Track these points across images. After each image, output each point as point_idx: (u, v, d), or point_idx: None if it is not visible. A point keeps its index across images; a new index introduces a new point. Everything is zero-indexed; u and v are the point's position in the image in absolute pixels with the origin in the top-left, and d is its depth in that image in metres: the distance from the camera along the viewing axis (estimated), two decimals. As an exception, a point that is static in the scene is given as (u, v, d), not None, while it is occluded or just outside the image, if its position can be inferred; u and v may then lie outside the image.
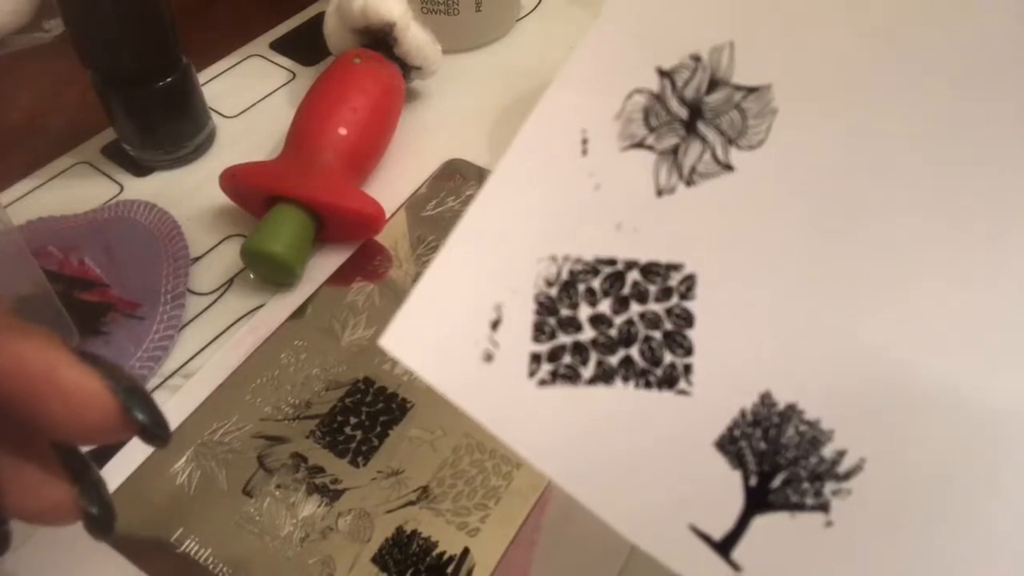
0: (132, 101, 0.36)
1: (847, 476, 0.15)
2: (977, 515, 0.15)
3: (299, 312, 0.32)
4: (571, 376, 0.16)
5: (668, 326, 0.16)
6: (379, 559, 0.26)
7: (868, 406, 0.15)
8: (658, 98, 0.16)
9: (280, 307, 0.33)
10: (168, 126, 0.38)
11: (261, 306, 0.33)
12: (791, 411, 0.16)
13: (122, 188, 0.38)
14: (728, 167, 0.16)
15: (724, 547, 0.15)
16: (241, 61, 0.45)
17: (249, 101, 0.42)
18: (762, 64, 0.15)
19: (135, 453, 0.28)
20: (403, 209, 0.36)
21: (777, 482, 0.16)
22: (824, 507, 0.15)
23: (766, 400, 0.16)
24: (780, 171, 0.15)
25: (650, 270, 0.16)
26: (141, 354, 0.31)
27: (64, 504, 0.19)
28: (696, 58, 0.16)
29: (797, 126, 0.15)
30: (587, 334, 0.16)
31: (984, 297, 0.15)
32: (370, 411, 0.29)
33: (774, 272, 0.16)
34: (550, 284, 0.16)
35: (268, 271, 0.33)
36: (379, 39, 0.39)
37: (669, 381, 0.16)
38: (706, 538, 0.15)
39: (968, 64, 0.15)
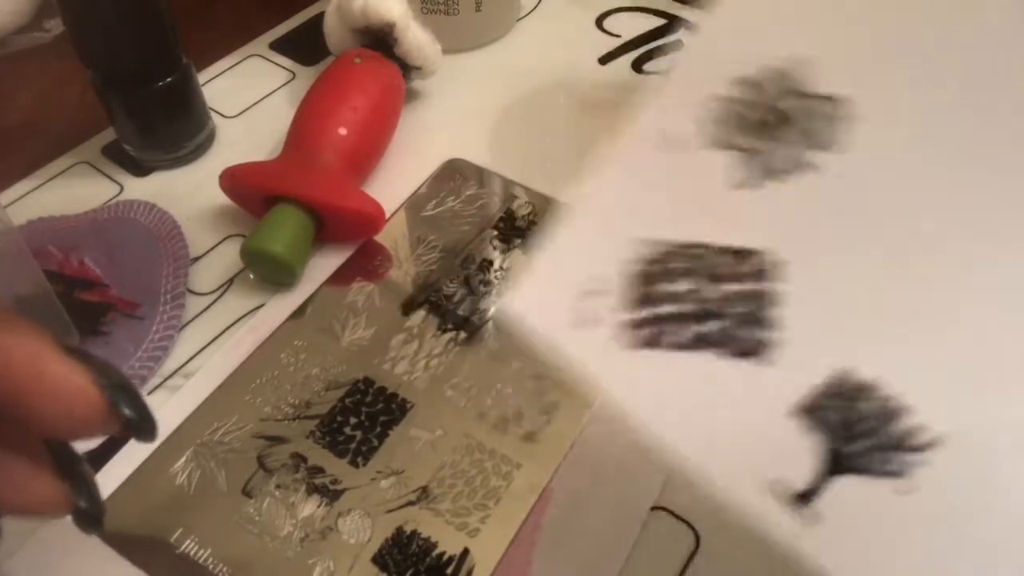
0: (132, 101, 0.36)
1: (923, 448, 0.16)
2: None
3: (299, 312, 0.32)
4: (661, 344, 0.18)
5: (751, 304, 0.17)
6: (379, 559, 0.26)
7: (949, 386, 0.16)
8: (745, 103, 0.18)
9: (280, 307, 0.33)
10: (168, 126, 0.38)
11: (261, 306, 0.33)
12: (870, 385, 0.17)
13: (122, 188, 0.38)
14: (807, 165, 0.17)
15: (801, 501, 0.17)
16: (241, 61, 0.45)
17: (249, 101, 0.42)
18: (841, 76, 0.17)
19: (135, 453, 0.28)
20: (403, 209, 0.36)
21: (854, 448, 0.17)
22: (898, 474, 0.16)
23: (846, 374, 0.17)
24: (855, 170, 0.17)
25: (735, 253, 0.18)
26: (141, 354, 0.31)
27: (53, 498, 0.19)
28: (780, 70, 0.17)
29: (871, 131, 0.17)
30: (676, 307, 0.18)
31: None
32: (370, 411, 0.29)
33: (853, 258, 0.17)
34: (645, 263, 0.18)
35: (268, 271, 0.33)
36: (379, 39, 0.39)
37: (752, 352, 0.17)
38: (784, 495, 0.17)
39: None
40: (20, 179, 0.38)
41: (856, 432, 0.17)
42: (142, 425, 0.19)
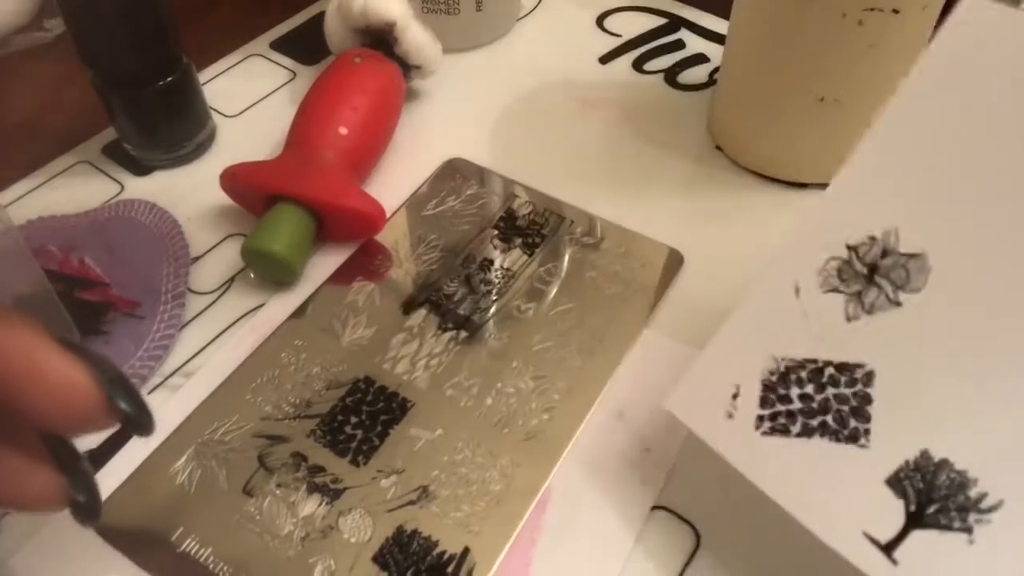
0: (132, 101, 0.36)
1: (988, 511, 0.21)
2: None
3: (299, 311, 0.32)
4: (784, 431, 0.24)
5: (853, 403, 0.23)
6: (379, 558, 0.26)
7: (1006, 464, 0.21)
8: (847, 262, 0.24)
9: (280, 306, 0.33)
10: (168, 126, 0.38)
11: (261, 305, 0.33)
12: (944, 463, 0.22)
13: (122, 187, 0.38)
14: (897, 304, 0.23)
15: (887, 549, 0.22)
16: (241, 61, 0.45)
17: (249, 100, 0.42)
18: (919, 239, 0.23)
19: (136, 452, 0.28)
20: (403, 208, 0.36)
21: (931, 510, 0.22)
22: (968, 530, 0.21)
23: (925, 455, 0.22)
24: (934, 307, 0.23)
25: (841, 367, 0.24)
26: (141, 353, 0.31)
27: (51, 492, 0.19)
28: (873, 238, 0.24)
29: (946, 278, 0.23)
30: (796, 405, 0.24)
31: None
32: (370, 410, 0.29)
33: (931, 372, 0.23)
34: (772, 374, 0.24)
35: (268, 270, 0.33)
36: (379, 38, 0.39)
37: (853, 438, 0.23)
38: (875, 542, 0.22)
39: None
40: (20, 179, 0.38)
41: (932, 498, 0.22)
42: (139, 420, 0.19)
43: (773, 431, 0.24)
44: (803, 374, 0.24)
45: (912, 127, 0.23)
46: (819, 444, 0.23)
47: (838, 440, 0.23)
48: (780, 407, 0.24)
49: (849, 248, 0.24)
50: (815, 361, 0.24)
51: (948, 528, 0.22)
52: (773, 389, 0.24)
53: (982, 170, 0.22)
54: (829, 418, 0.24)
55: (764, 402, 0.24)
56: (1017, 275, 0.21)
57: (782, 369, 0.24)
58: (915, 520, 0.22)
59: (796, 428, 0.24)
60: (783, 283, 0.25)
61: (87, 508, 0.20)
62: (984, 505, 0.21)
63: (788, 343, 0.25)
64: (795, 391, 0.24)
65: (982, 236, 0.22)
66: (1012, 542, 0.21)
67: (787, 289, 0.25)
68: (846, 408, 0.24)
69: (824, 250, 0.24)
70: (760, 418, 0.24)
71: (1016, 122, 0.22)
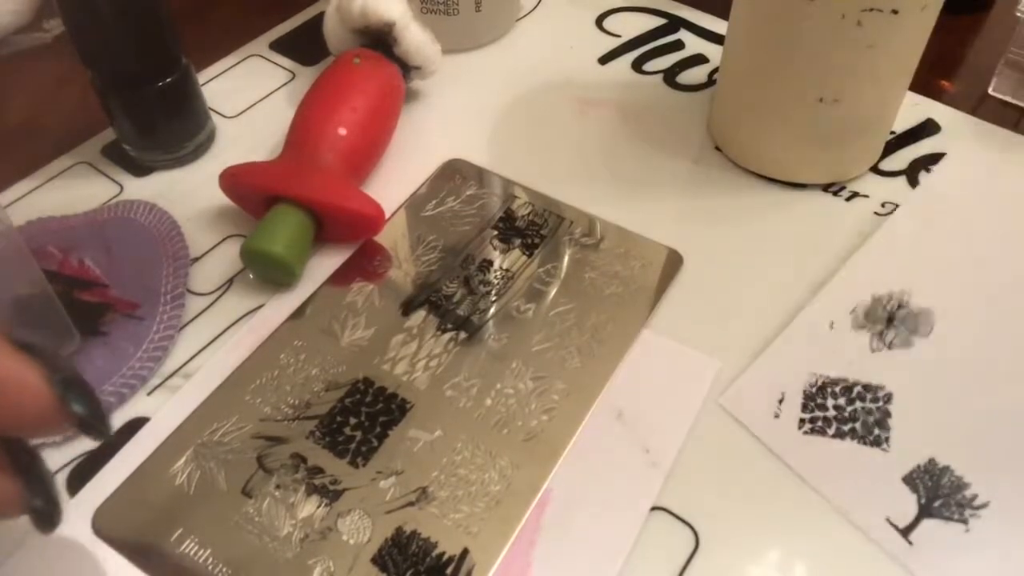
0: (132, 101, 0.36)
1: (979, 508, 0.27)
2: None
3: (299, 312, 0.32)
4: (822, 432, 0.29)
5: (876, 416, 0.29)
6: (379, 559, 0.26)
7: (992, 473, 0.28)
8: (872, 308, 0.32)
9: (280, 307, 0.33)
10: (168, 126, 0.38)
11: (261, 306, 0.33)
12: (947, 469, 0.28)
13: (122, 188, 0.38)
14: (910, 343, 0.31)
15: (904, 532, 0.27)
16: (241, 61, 0.45)
17: (249, 101, 0.42)
18: (926, 299, 0.31)
19: (134, 454, 0.28)
20: (403, 209, 0.36)
21: (936, 504, 0.27)
22: (964, 521, 0.27)
23: (932, 461, 0.28)
24: (938, 349, 0.30)
25: (867, 387, 0.30)
26: (141, 354, 0.31)
27: (7, 497, 0.19)
28: (891, 293, 0.32)
29: (947, 329, 0.31)
30: (831, 413, 0.30)
31: None
32: (369, 411, 0.29)
33: (936, 397, 0.29)
34: (811, 387, 0.30)
35: (268, 271, 0.33)
36: (379, 39, 0.39)
37: (876, 443, 0.29)
38: (894, 526, 0.27)
39: None
40: (20, 179, 0.38)
41: (938, 494, 0.27)
42: (92, 423, 0.18)
43: (813, 431, 0.29)
44: (836, 389, 0.30)
45: (915, 224, 0.32)
46: (850, 445, 0.29)
47: (865, 443, 0.29)
48: (818, 413, 0.29)
49: (874, 298, 0.32)
50: (846, 380, 0.30)
51: (950, 519, 0.27)
52: (812, 398, 0.30)
53: (974, 257, 0.30)
54: (857, 425, 0.29)
55: (805, 407, 0.30)
56: (1001, 330, 0.29)
57: (819, 383, 0.30)
58: (925, 511, 0.27)
59: (831, 431, 0.29)
60: (821, 319, 0.32)
61: (44, 514, 0.19)
62: (976, 503, 0.27)
63: (824, 364, 0.31)
64: (830, 401, 0.30)
65: (973, 301, 0.31)
66: (996, 533, 0.27)
67: (824, 324, 0.32)
68: (871, 419, 0.29)
69: (854, 297, 0.32)
70: (802, 420, 0.29)
71: (997, 228, 0.31)
